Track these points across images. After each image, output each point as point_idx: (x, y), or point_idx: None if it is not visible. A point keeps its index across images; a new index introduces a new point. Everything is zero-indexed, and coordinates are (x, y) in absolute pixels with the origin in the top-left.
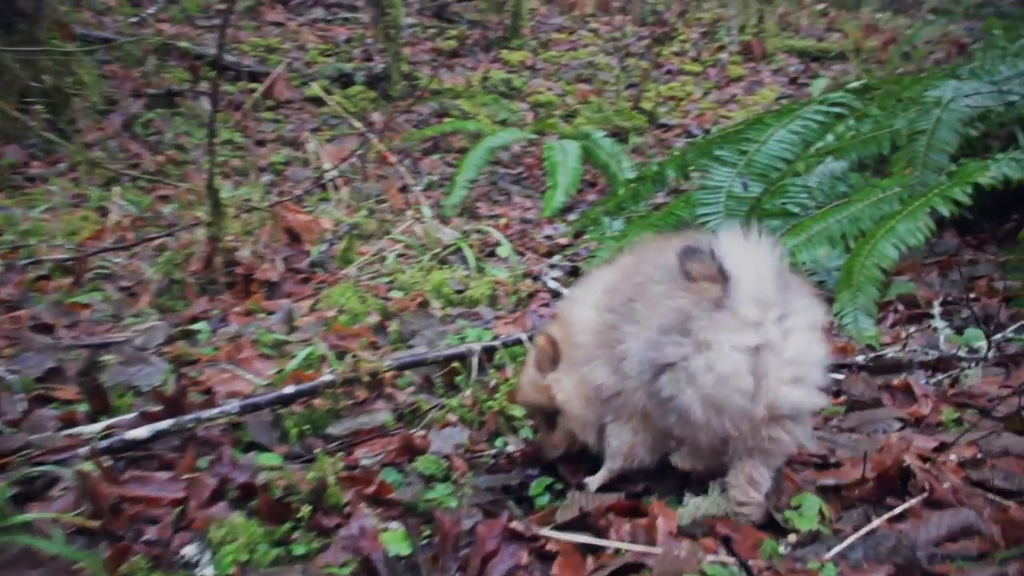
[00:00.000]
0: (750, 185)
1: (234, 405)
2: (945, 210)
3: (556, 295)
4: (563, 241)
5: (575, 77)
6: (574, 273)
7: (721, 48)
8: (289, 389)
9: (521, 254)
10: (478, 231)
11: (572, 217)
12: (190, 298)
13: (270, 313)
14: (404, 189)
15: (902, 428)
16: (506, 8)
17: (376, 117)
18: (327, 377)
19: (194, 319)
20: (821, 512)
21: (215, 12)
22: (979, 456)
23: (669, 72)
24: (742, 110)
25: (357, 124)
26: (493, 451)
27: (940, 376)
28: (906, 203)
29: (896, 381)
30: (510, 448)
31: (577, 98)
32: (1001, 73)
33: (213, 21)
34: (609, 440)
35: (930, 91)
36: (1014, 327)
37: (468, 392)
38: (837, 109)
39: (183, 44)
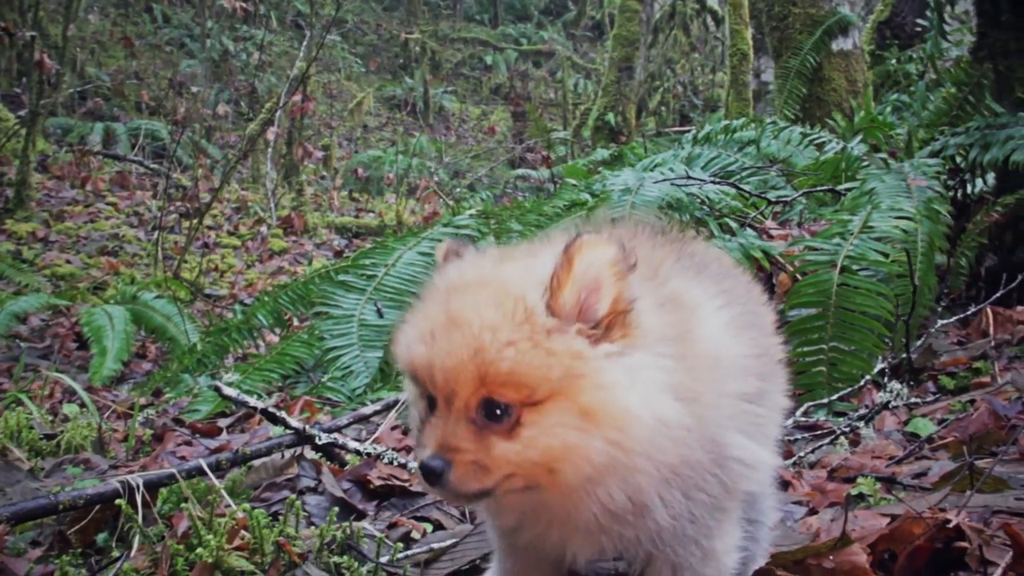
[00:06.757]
0: (385, 312)
1: None
2: None
3: (201, 431)
4: (143, 400)
5: (98, 250)
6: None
7: (260, 222)
8: None
9: (103, 409)
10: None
11: (127, 387)
12: None
13: None
14: None
15: (810, 513)
16: (7, 180)
17: None
18: None
19: None
20: None
21: None
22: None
23: (206, 245)
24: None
25: None
26: None
27: None
28: None
29: None
30: None
31: (104, 270)
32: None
33: None
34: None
35: (613, 180)
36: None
37: (135, 548)
38: (466, 231)
39: None
